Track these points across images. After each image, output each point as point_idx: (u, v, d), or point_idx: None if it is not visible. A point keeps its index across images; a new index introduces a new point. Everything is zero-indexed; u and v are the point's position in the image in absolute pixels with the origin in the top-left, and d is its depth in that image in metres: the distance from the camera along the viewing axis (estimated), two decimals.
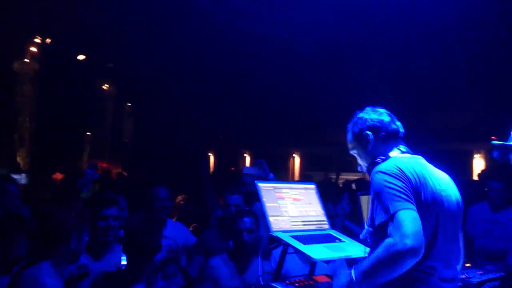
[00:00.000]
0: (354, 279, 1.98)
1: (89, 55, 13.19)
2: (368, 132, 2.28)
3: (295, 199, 2.90)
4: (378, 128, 2.28)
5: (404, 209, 1.92)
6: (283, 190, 2.89)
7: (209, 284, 3.11)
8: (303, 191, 2.99)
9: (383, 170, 2.04)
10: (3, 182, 3.92)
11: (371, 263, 1.97)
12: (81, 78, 13.09)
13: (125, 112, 16.78)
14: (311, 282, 2.50)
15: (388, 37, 9.79)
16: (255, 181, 2.80)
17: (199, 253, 3.87)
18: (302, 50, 10.99)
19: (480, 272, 3.22)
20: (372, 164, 2.20)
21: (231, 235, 3.31)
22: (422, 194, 2.01)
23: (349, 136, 2.37)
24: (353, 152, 2.37)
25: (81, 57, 13.19)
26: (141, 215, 2.86)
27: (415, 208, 1.93)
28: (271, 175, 3.91)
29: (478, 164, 11.49)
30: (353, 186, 8.45)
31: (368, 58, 10.43)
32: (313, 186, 3.06)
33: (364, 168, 2.31)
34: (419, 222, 1.91)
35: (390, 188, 1.97)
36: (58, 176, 8.45)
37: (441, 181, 2.14)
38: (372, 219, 2.02)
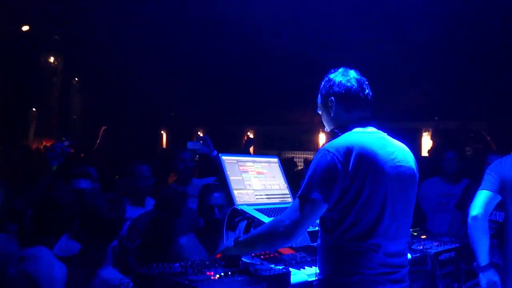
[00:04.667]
0: (239, 240, 2.16)
1: (33, 26, 12.51)
2: (332, 98, 2.21)
3: (258, 173, 2.87)
4: (342, 95, 2.19)
5: (309, 198, 1.97)
6: (247, 164, 2.85)
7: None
8: (266, 164, 2.97)
9: (330, 150, 2.02)
10: None
11: (255, 232, 2.18)
12: (25, 51, 12.43)
13: (72, 87, 16.13)
14: (276, 254, 2.49)
15: (347, 19, 9.91)
16: (220, 154, 2.73)
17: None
18: (259, 29, 10.91)
19: (436, 243, 3.32)
20: (331, 133, 2.20)
21: (201, 213, 3.23)
22: (366, 177, 1.99)
23: (318, 96, 2.30)
24: (319, 112, 2.32)
25: (24, 28, 12.49)
26: (108, 194, 2.70)
27: (320, 202, 1.97)
28: (215, 152, 3.83)
29: (427, 141, 11.93)
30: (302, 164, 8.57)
31: (327, 38, 10.52)
32: (276, 159, 3.05)
33: (327, 130, 2.29)
34: (310, 217, 1.98)
35: (319, 172, 1.99)
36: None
37: (399, 156, 2.14)
38: None
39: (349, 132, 2.14)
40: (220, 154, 2.72)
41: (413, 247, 3.09)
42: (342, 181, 1.97)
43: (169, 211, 3.44)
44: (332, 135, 2.19)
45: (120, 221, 2.61)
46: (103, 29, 11.68)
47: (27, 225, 2.70)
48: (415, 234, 3.54)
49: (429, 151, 7.97)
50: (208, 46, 12.01)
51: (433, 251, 3.11)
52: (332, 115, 2.22)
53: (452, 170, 4.63)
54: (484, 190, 2.96)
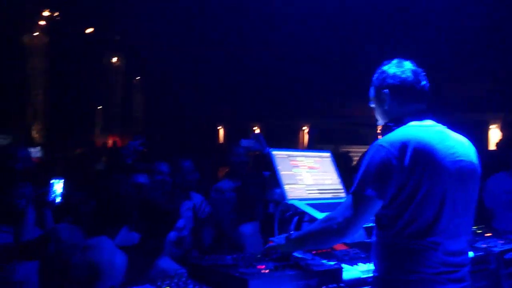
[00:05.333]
0: (291, 238, 2.13)
1: (97, 28, 13.09)
2: (386, 90, 2.12)
3: (310, 167, 2.83)
4: (397, 87, 2.09)
5: (363, 194, 1.92)
6: (298, 158, 2.82)
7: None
8: (318, 159, 2.92)
9: (384, 144, 1.95)
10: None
11: (307, 229, 2.15)
12: (89, 52, 13.02)
13: (134, 86, 16.74)
14: (328, 250, 2.45)
15: (405, 11, 9.61)
16: (270, 149, 2.73)
17: (210, 225, 3.89)
18: (315, 22, 10.80)
19: (502, 241, 3.15)
20: (385, 127, 2.12)
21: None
22: (424, 173, 1.91)
23: (371, 88, 2.22)
24: (372, 105, 2.23)
25: (88, 30, 13.09)
26: (161, 185, 2.81)
27: (375, 199, 1.91)
28: (268, 148, 3.87)
29: (494, 134, 11.30)
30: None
31: (383, 31, 10.25)
32: (328, 154, 3.00)
33: (380, 124, 2.21)
34: (364, 214, 1.94)
35: (372, 168, 1.93)
36: None
37: (459, 150, 2.03)
38: None
39: (404, 126, 2.05)
40: (270, 149, 2.72)
41: (476, 245, 2.94)
42: (398, 177, 1.90)
43: (251, 196, 3.50)
44: (386, 129, 2.11)
45: (176, 213, 2.69)
46: (161, 28, 12.01)
47: (83, 217, 2.83)
48: (479, 232, 3.37)
49: (497, 144, 7.53)
50: (263, 41, 12.04)
51: (498, 249, 2.94)
52: (386, 108, 2.13)
53: None
54: None
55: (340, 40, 11.28)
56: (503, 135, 9.65)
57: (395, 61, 2.16)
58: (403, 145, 1.92)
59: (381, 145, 1.96)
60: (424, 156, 1.92)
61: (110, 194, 2.81)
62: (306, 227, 2.39)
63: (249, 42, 12.24)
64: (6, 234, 2.98)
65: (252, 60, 12.92)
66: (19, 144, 8.47)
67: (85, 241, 2.58)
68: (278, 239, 2.22)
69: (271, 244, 2.22)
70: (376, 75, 2.19)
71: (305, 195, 2.67)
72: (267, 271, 1.99)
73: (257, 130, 16.61)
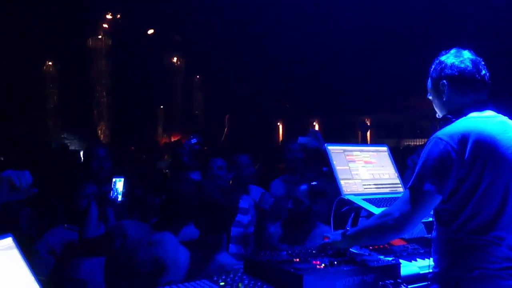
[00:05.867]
0: (347, 234, 2.10)
1: (157, 30, 13.50)
2: (444, 81, 2.05)
3: (366, 162, 2.79)
4: (455, 78, 2.02)
5: (421, 189, 1.87)
6: (354, 153, 2.78)
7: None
8: (375, 153, 2.86)
9: (442, 137, 1.89)
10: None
11: (363, 225, 2.15)
12: (151, 53, 13.46)
13: (194, 85, 17.11)
14: (386, 245, 2.40)
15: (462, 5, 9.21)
16: (326, 144, 2.72)
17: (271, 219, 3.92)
18: (375, 16, 10.57)
19: None
20: (443, 119, 2.05)
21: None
22: (485, 166, 1.85)
23: (428, 80, 2.16)
24: (429, 98, 2.18)
25: (149, 31, 13.53)
26: (216, 180, 2.85)
27: (433, 194, 1.86)
28: (324, 146, 3.83)
29: None
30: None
31: (441, 24, 9.87)
32: (385, 148, 2.93)
33: (438, 117, 2.15)
34: (422, 209, 1.89)
35: (430, 162, 1.88)
36: None
37: None
38: None
39: (464, 118, 1.98)
40: (326, 144, 2.71)
41: None
42: (457, 171, 1.85)
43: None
44: (444, 122, 2.04)
45: (234, 209, 2.72)
46: (219, 28, 12.19)
47: (148, 214, 2.92)
48: None
49: None
50: (322, 36, 11.92)
51: None
52: (444, 99, 2.06)
53: None
54: None
55: (401, 33, 10.96)
56: None
57: (453, 51, 2.09)
58: (463, 138, 1.87)
59: (439, 138, 1.90)
60: (485, 148, 1.86)
61: (174, 191, 2.88)
62: (363, 223, 2.36)
63: (308, 38, 12.17)
64: (72, 232, 3.15)
65: (312, 53, 12.84)
66: (94, 143, 8.93)
67: (150, 236, 2.66)
68: (334, 235, 2.20)
69: (327, 240, 2.21)
70: (433, 66, 2.13)
71: (361, 190, 2.63)
72: (322, 266, 1.98)
73: (315, 127, 16.52)
